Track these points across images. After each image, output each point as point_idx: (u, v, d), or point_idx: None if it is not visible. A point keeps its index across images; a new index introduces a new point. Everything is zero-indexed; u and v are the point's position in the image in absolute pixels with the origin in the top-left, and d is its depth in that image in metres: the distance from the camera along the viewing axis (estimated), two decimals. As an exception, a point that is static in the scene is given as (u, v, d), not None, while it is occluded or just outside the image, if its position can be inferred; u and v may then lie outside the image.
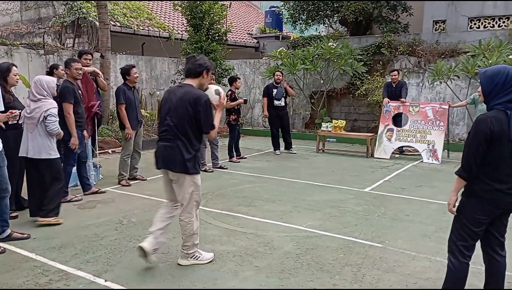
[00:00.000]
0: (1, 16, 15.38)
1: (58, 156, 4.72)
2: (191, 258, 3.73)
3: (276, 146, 9.61)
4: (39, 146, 4.51)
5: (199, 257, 3.75)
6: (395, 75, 9.38)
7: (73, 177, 6.00)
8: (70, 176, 5.71)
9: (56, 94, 4.78)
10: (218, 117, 3.83)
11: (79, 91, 5.70)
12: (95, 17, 11.62)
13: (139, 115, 6.70)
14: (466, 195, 2.81)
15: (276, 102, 9.30)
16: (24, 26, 14.51)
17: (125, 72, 6.50)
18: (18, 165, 4.71)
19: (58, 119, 4.62)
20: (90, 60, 6.44)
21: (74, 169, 5.87)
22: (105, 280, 3.41)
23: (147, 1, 15.84)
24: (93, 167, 6.46)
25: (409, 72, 11.48)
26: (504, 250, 2.90)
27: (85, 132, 5.96)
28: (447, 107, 8.94)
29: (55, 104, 4.63)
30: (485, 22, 11.47)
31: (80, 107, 5.58)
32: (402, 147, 9.33)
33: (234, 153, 8.72)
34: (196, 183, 3.63)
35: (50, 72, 6.04)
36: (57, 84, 4.86)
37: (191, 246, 3.72)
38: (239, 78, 8.78)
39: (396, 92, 9.40)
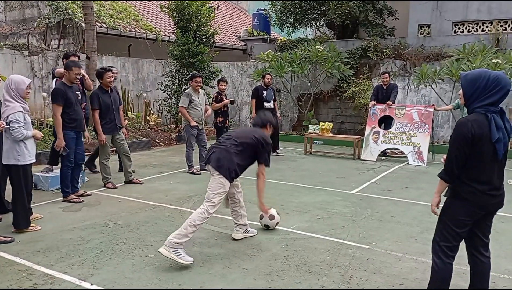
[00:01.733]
0: (-16, 16, 15.11)
1: (28, 162, 4.44)
2: (173, 252, 3.67)
3: (264, 148, 9.59)
4: (7, 151, 4.33)
5: (181, 255, 3.70)
6: (386, 78, 9.48)
7: (50, 182, 5.96)
8: (67, 178, 5.62)
9: (26, 97, 4.47)
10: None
11: (77, 93, 5.67)
12: (80, 18, 11.51)
13: (117, 119, 6.54)
14: (449, 197, 2.86)
15: (265, 104, 9.31)
16: (8, 26, 14.29)
17: (99, 75, 6.42)
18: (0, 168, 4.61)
19: (21, 124, 4.30)
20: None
21: (58, 171, 5.83)
22: (91, 284, 3.37)
23: (134, 2, 15.74)
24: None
25: (395, 75, 11.62)
26: (488, 251, 2.95)
27: (86, 133, 5.96)
28: (432, 110, 9.06)
29: (18, 108, 4.31)
30: (469, 26, 11.67)
31: (71, 109, 5.49)
32: (385, 150, 9.42)
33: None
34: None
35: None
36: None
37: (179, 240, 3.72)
38: (223, 81, 8.74)
39: (387, 94, 9.48)
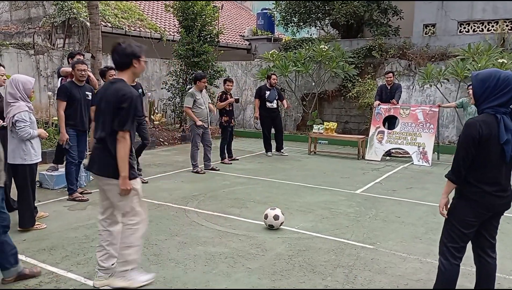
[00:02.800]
0: (-10, 16, 15.20)
1: (34, 161, 4.45)
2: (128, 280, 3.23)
3: (268, 148, 9.63)
4: (13, 150, 4.33)
5: (133, 278, 3.25)
6: (390, 77, 9.44)
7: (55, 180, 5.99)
8: (71, 174, 5.67)
9: (31, 96, 4.47)
10: None
11: (87, 93, 5.77)
12: (86, 17, 11.55)
13: None
14: (456, 198, 2.84)
15: (268, 104, 9.32)
16: (13, 26, 14.36)
17: (102, 74, 6.53)
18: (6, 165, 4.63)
19: (27, 124, 4.31)
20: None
21: (63, 170, 5.88)
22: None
23: (139, 1, 15.77)
24: (84, 168, 6.40)
25: (400, 75, 11.58)
26: (495, 252, 2.94)
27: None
28: (437, 110, 9.02)
29: (23, 107, 4.31)
30: (475, 26, 11.61)
31: (72, 108, 5.56)
32: (390, 150, 9.39)
33: (226, 155, 8.72)
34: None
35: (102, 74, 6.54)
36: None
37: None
38: (230, 81, 8.75)
39: (391, 94, 9.45)
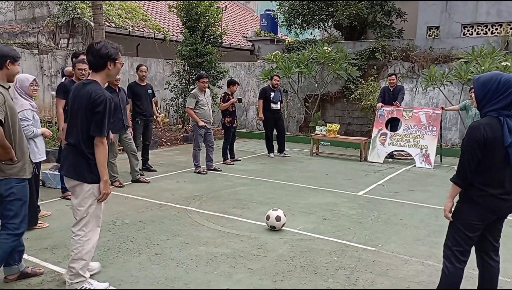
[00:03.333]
0: (-6, 15, 15.27)
1: (38, 160, 4.45)
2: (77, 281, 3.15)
3: (270, 149, 9.63)
4: None
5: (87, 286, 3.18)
6: (393, 79, 9.42)
7: (58, 179, 6.02)
8: None
9: (32, 94, 4.44)
10: None
11: None
12: (89, 17, 11.58)
13: (125, 118, 6.61)
14: (461, 201, 2.83)
15: (272, 105, 9.33)
16: (18, 25, 14.42)
17: None
18: None
19: (30, 122, 4.32)
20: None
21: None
22: (98, 281, 3.39)
23: (143, 2, 15.81)
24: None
25: (403, 77, 11.57)
26: (498, 255, 2.93)
27: None
28: (440, 112, 9.01)
29: (26, 105, 4.30)
30: (478, 28, 11.59)
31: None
32: (392, 152, 9.38)
33: (228, 155, 8.73)
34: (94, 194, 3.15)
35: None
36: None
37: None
38: (237, 84, 8.75)
39: (394, 96, 9.43)
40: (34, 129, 4.36)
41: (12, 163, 3.04)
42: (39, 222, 4.58)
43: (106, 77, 3.22)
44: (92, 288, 3.19)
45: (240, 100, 8.72)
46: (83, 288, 3.15)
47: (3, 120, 2.94)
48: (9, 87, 3.19)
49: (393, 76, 9.46)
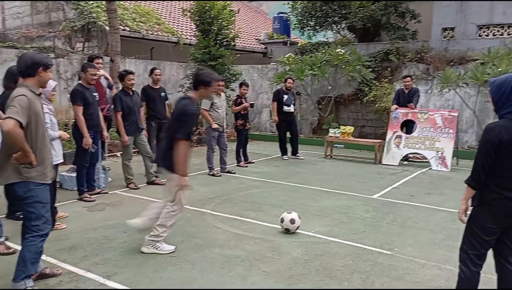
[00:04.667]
0: (12, 20, 15.56)
1: (55, 163, 4.46)
2: (151, 247, 4.06)
3: (283, 151, 9.62)
4: None
5: (160, 247, 4.07)
6: (408, 81, 9.33)
7: (75, 181, 6.09)
8: (82, 177, 5.77)
9: (51, 99, 4.55)
10: None
11: (94, 94, 5.81)
12: (105, 21, 11.73)
13: (139, 120, 6.66)
14: (477, 204, 2.80)
15: (285, 108, 9.32)
16: (34, 29, 14.66)
17: (121, 77, 6.57)
18: None
19: (48, 125, 4.17)
20: (101, 64, 6.58)
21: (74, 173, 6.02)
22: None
23: (157, 5, 15.95)
24: (102, 169, 6.51)
25: (418, 79, 11.45)
26: (516, 260, 2.88)
27: (104, 132, 6.12)
28: (456, 114, 8.89)
29: (44, 109, 4.25)
30: (494, 30, 11.42)
31: (91, 108, 5.67)
32: (407, 155, 9.28)
33: (242, 158, 8.74)
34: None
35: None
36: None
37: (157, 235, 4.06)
38: (245, 85, 8.79)
39: (408, 98, 9.33)
40: (51, 132, 4.43)
41: (30, 166, 3.10)
42: (56, 223, 4.64)
43: (200, 96, 4.20)
44: (161, 247, 4.06)
45: (252, 105, 8.74)
46: (155, 246, 4.04)
47: (24, 124, 2.99)
48: (40, 93, 3.27)
49: (408, 78, 9.37)
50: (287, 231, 4.65)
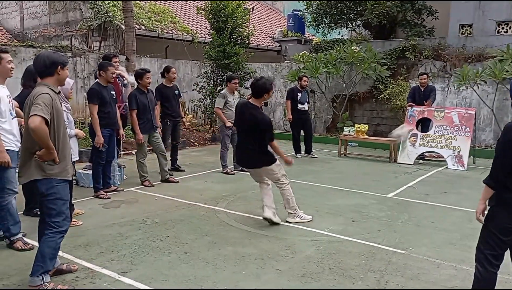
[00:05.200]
0: (30, 19, 15.85)
1: (72, 160, 4.62)
2: (296, 217, 4.93)
3: (297, 149, 9.59)
4: None
5: (302, 216, 4.96)
6: (424, 79, 9.17)
7: (91, 179, 6.17)
8: (98, 174, 5.86)
9: (69, 97, 4.64)
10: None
11: (112, 93, 5.90)
12: (121, 20, 11.86)
13: (154, 119, 6.71)
14: (495, 204, 2.76)
15: (300, 106, 9.28)
16: (52, 29, 14.91)
17: (138, 76, 6.60)
18: None
19: (65, 123, 4.46)
20: (118, 62, 6.67)
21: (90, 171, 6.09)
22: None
23: (172, 4, 16.04)
24: (118, 167, 6.59)
25: (434, 76, 11.29)
26: (534, 261, 2.83)
27: (120, 130, 6.21)
28: (473, 112, 8.74)
29: (63, 107, 4.44)
30: (514, 26, 11.20)
31: (109, 107, 5.75)
32: (423, 153, 9.15)
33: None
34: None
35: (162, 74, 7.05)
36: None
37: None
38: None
39: (424, 96, 9.21)
40: (68, 130, 4.49)
41: (53, 163, 3.17)
42: (73, 220, 4.71)
43: (261, 102, 5.05)
44: (303, 216, 4.99)
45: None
46: (298, 215, 4.94)
47: (49, 120, 3.06)
48: (59, 92, 3.34)
49: (424, 76, 9.23)
50: (397, 138, 5.25)
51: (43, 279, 3.19)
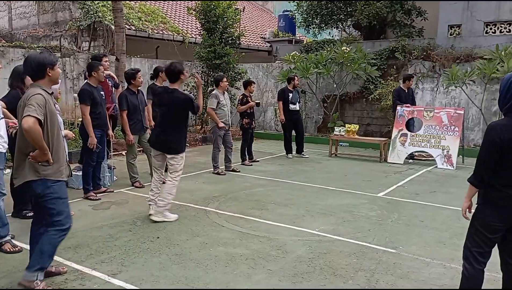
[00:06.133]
0: (19, 19, 15.68)
1: None
2: (161, 215, 4.92)
3: (288, 150, 9.61)
4: None
5: (168, 215, 4.98)
6: (412, 82, 9.72)
7: (80, 180, 6.11)
8: (88, 175, 5.82)
9: (57, 97, 4.67)
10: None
11: (102, 93, 5.86)
12: (110, 21, 11.78)
13: (144, 119, 6.66)
14: (481, 202, 2.80)
15: (291, 106, 9.31)
16: (41, 29, 14.76)
17: (130, 76, 6.54)
18: None
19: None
20: (108, 62, 6.63)
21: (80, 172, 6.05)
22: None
23: (162, 4, 15.98)
24: (108, 168, 6.54)
25: (424, 76, 11.40)
26: (522, 258, 2.86)
27: (110, 131, 6.16)
28: (462, 112, 8.83)
29: None
30: (501, 27, 11.32)
31: (100, 108, 5.72)
32: (412, 153, 9.23)
33: (247, 156, 8.75)
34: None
35: (155, 76, 6.97)
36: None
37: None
38: (254, 82, 8.84)
39: (410, 96, 9.56)
40: None
41: (47, 164, 3.15)
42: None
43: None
44: (169, 215, 4.98)
45: (258, 104, 8.75)
46: (164, 214, 4.93)
47: (42, 121, 3.05)
48: (52, 92, 3.33)
49: (412, 79, 9.68)
50: None
51: (37, 276, 3.18)
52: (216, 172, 7.69)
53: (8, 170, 5.42)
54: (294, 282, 3.49)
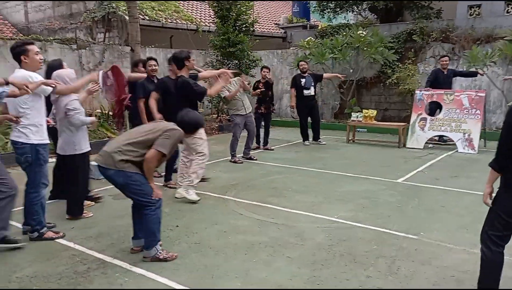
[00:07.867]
0: (34, 13, 15.82)
1: (84, 151, 4.59)
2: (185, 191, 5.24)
3: (305, 136, 9.54)
4: (64, 142, 4.52)
5: (191, 193, 5.26)
6: (446, 61, 9.15)
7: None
8: None
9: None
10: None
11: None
12: (124, 11, 11.80)
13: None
14: (501, 186, 2.74)
15: (305, 92, 9.18)
16: (56, 22, 14.89)
17: (140, 64, 6.70)
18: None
19: (78, 111, 4.42)
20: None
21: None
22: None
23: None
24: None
25: (443, 59, 11.12)
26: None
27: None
28: (483, 94, 8.60)
29: (73, 96, 4.45)
30: (524, 5, 10.95)
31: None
32: (432, 137, 9.03)
33: (261, 142, 8.80)
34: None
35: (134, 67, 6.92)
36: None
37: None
38: (265, 67, 8.83)
39: (448, 79, 9.14)
40: (82, 117, 4.49)
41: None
42: (84, 211, 4.75)
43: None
44: (189, 193, 5.27)
45: (261, 94, 8.59)
46: (188, 192, 5.28)
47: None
48: None
49: (446, 58, 9.18)
50: None
51: (156, 248, 3.59)
52: (233, 160, 7.69)
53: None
54: (313, 269, 3.47)
